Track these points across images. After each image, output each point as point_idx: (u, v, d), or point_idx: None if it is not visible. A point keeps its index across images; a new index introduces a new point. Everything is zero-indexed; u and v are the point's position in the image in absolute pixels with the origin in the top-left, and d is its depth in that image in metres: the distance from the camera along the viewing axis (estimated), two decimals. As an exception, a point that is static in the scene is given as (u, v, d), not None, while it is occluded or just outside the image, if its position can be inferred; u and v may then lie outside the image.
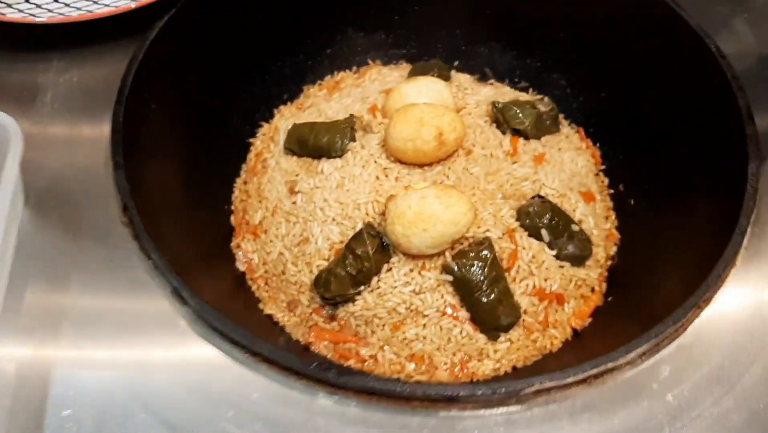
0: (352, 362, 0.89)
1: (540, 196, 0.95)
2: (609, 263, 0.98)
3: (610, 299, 0.94)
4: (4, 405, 0.69)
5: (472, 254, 0.87)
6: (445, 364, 0.89)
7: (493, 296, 0.87)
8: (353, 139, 0.98)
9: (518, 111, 1.00)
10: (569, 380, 0.71)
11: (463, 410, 0.70)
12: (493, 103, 1.01)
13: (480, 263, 0.87)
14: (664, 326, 0.74)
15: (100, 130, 0.89)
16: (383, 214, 0.90)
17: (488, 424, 0.70)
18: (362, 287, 0.89)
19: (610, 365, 0.72)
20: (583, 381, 0.72)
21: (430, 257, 0.89)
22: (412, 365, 0.89)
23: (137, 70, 0.90)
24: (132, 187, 0.81)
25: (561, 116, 1.11)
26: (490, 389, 0.69)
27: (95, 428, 0.68)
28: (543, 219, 0.92)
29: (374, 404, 0.71)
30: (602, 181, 1.06)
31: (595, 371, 0.71)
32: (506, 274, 0.90)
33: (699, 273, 0.80)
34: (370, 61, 1.20)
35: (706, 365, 0.73)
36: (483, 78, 1.18)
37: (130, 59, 0.91)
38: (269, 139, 1.08)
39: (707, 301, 0.77)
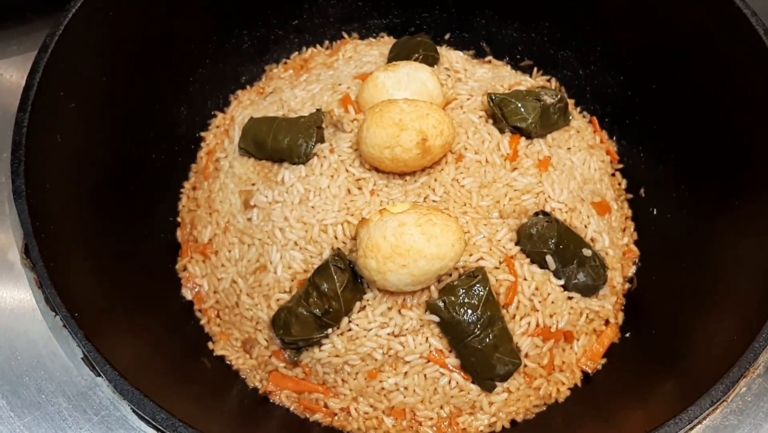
0: (319, 416, 0.75)
1: (545, 213, 0.78)
2: (626, 286, 0.83)
3: (627, 334, 0.79)
4: None
5: (462, 290, 0.72)
6: (431, 419, 0.74)
7: (487, 340, 0.72)
8: (321, 141, 0.81)
9: (519, 105, 0.83)
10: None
11: None
12: (489, 96, 0.83)
13: (472, 301, 0.72)
14: (702, 403, 0.58)
15: (0, 141, 0.71)
16: (355, 238, 0.74)
17: None
18: (330, 330, 0.73)
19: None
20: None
21: (412, 293, 0.73)
22: (391, 420, 0.75)
23: (49, 62, 0.72)
24: (37, 219, 0.65)
25: (571, 103, 0.93)
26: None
27: None
28: (548, 243, 0.75)
29: None
30: (618, 184, 0.90)
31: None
32: (504, 311, 0.74)
33: (748, 313, 0.65)
34: (344, 35, 1.01)
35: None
36: (479, 55, 1.00)
37: (39, 48, 0.72)
38: (224, 134, 0.91)
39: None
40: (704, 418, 0.60)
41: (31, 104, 0.70)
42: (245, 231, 0.79)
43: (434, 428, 0.74)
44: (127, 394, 0.57)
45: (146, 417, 0.57)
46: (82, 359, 0.61)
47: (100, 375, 0.60)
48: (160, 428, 0.57)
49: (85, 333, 0.60)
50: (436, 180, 0.78)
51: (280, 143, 0.81)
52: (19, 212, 0.65)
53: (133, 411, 0.59)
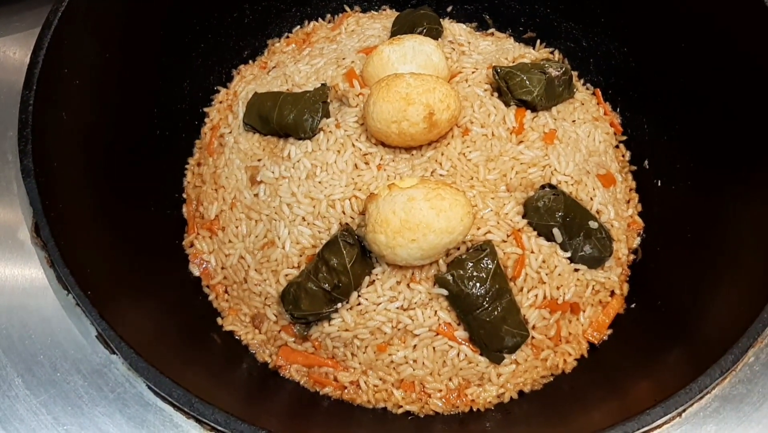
0: (329, 390, 0.75)
1: (551, 186, 0.79)
2: (631, 258, 0.83)
3: (633, 305, 0.80)
4: None
5: (470, 264, 0.72)
6: (440, 391, 0.75)
7: (496, 313, 0.72)
8: (326, 115, 0.81)
9: (524, 78, 0.82)
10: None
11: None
12: (495, 69, 0.83)
13: (480, 274, 0.72)
14: (712, 373, 0.59)
15: (6, 120, 0.71)
16: (363, 213, 0.74)
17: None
18: (339, 304, 0.74)
19: (641, 430, 0.57)
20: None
21: (421, 267, 0.74)
22: (401, 393, 0.75)
23: (53, 39, 0.72)
24: (46, 198, 0.65)
25: (574, 75, 0.93)
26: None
27: None
28: (555, 216, 0.76)
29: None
30: (622, 156, 0.90)
31: (624, 437, 0.57)
32: (512, 284, 0.75)
33: (756, 283, 0.65)
34: (346, 8, 1.00)
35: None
36: (482, 27, 1.00)
37: (43, 25, 0.72)
38: (227, 109, 0.91)
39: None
40: (713, 388, 0.61)
41: (37, 82, 0.69)
42: (252, 207, 0.79)
43: (443, 399, 0.75)
44: (143, 371, 0.58)
45: (162, 393, 0.58)
46: (96, 337, 0.62)
47: (114, 353, 0.60)
48: (177, 404, 0.58)
49: (98, 311, 0.60)
50: (443, 154, 0.78)
51: (286, 118, 0.80)
52: (29, 191, 0.65)
53: (149, 387, 0.59)
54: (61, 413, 0.58)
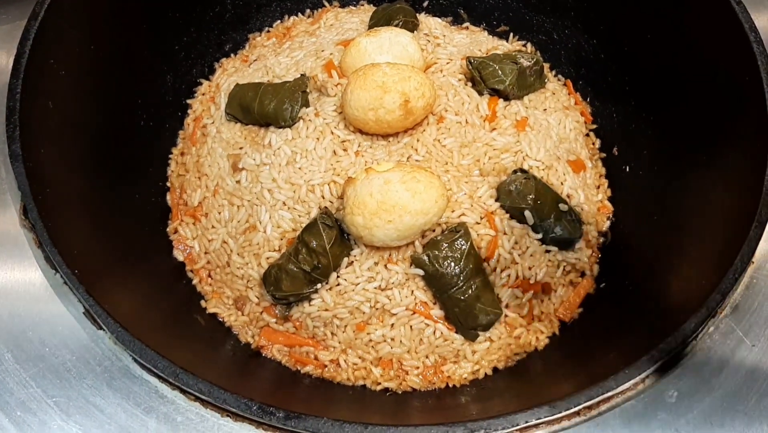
0: (310, 368, 0.78)
1: (523, 171, 0.82)
2: (601, 240, 0.87)
3: (602, 285, 0.83)
4: None
5: (445, 244, 0.75)
6: (417, 368, 0.78)
7: (470, 292, 0.75)
8: (306, 105, 0.83)
9: (497, 68, 0.86)
10: (560, 414, 0.59)
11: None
12: (468, 59, 0.86)
13: (455, 255, 0.75)
14: (673, 340, 0.62)
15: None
16: (342, 196, 0.76)
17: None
18: (319, 285, 0.76)
19: (607, 394, 0.60)
20: (576, 414, 0.61)
21: (398, 248, 0.76)
22: (379, 370, 0.78)
23: (39, 30, 0.74)
24: (34, 182, 0.67)
25: (546, 66, 0.96)
26: (466, 430, 0.58)
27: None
28: (527, 199, 0.79)
29: (331, 447, 0.59)
30: (593, 144, 0.93)
31: (588, 402, 0.60)
32: (485, 264, 0.78)
33: (715, 258, 0.68)
34: (325, 3, 1.03)
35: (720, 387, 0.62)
36: (456, 21, 1.03)
37: (29, 16, 0.74)
38: (209, 100, 0.93)
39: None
40: (676, 355, 0.64)
41: (24, 71, 0.71)
42: (234, 193, 0.82)
43: (420, 376, 0.78)
44: (128, 343, 0.60)
45: (148, 365, 0.60)
46: (83, 313, 0.64)
47: (101, 328, 0.63)
48: (162, 375, 0.60)
49: (85, 288, 0.62)
50: (418, 140, 0.81)
51: (266, 108, 0.83)
52: (17, 175, 0.67)
53: (135, 360, 0.62)
54: (49, 386, 0.60)
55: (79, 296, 0.63)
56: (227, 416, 0.60)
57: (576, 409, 0.60)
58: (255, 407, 0.58)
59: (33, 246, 0.67)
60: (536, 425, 0.60)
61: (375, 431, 0.58)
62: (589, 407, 0.61)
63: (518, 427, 0.59)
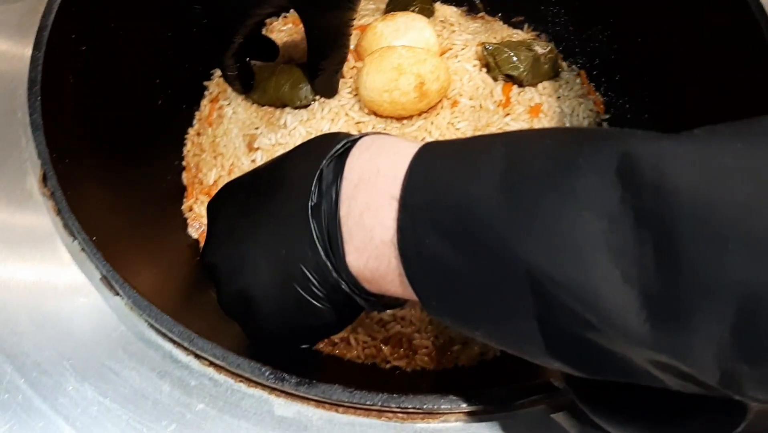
0: (321, 345, 0.79)
1: (536, 155, 0.82)
2: (611, 228, 0.87)
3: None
4: None
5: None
6: (426, 348, 0.78)
7: (480, 273, 0.76)
8: (321, 86, 0.84)
9: (512, 54, 0.86)
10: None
11: (446, 421, 0.60)
12: (484, 45, 0.87)
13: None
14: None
15: (14, 79, 0.74)
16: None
17: (474, 437, 0.60)
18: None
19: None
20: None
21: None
22: (389, 349, 0.79)
23: (62, 4, 0.75)
24: (53, 151, 0.68)
25: (560, 56, 0.97)
26: (477, 400, 0.59)
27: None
28: (539, 183, 0.79)
29: (341, 414, 0.60)
30: (605, 133, 0.93)
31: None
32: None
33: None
34: (342, -10, 1.04)
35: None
36: (471, 11, 1.03)
37: (52, -8, 0.75)
38: (225, 83, 0.94)
39: None
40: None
41: (46, 44, 0.73)
42: (249, 172, 0.83)
43: (429, 356, 0.78)
44: (144, 309, 0.61)
45: (163, 330, 0.61)
46: (100, 279, 0.65)
47: (118, 294, 0.64)
48: (177, 340, 0.61)
49: (103, 254, 0.63)
50: (432, 123, 0.82)
51: (282, 88, 0.84)
52: (37, 143, 0.68)
53: (150, 326, 0.63)
54: (65, 348, 0.61)
55: (97, 262, 0.63)
56: (241, 381, 0.61)
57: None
58: (268, 373, 0.58)
59: (52, 214, 0.68)
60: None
61: (386, 399, 0.58)
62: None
63: (528, 400, 0.59)
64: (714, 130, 0.36)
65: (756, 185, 0.32)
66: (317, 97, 0.83)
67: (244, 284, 0.58)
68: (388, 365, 0.78)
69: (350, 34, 0.76)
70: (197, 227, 0.85)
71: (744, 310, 0.31)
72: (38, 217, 0.68)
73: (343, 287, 0.51)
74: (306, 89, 0.83)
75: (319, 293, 0.52)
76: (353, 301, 0.53)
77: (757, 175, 0.32)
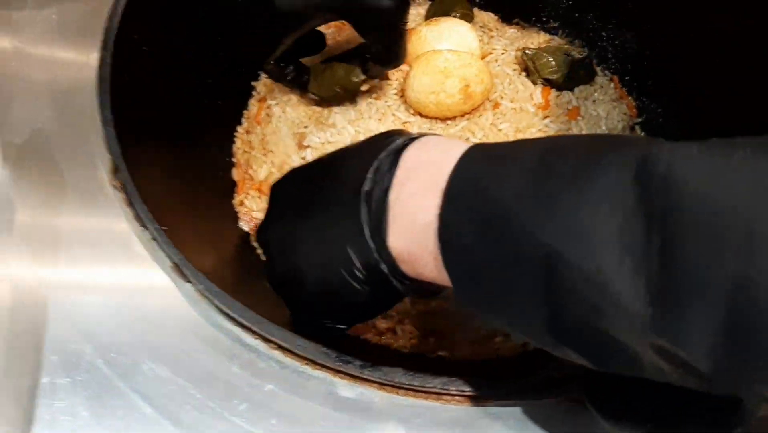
0: (369, 335, 0.82)
1: (575, 156, 0.86)
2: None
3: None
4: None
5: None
6: (469, 340, 0.82)
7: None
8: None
9: (551, 59, 0.90)
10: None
11: (501, 405, 0.64)
12: (524, 50, 0.91)
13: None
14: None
15: (83, 78, 0.78)
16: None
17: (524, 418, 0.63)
18: (380, 256, 0.81)
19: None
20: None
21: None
22: (433, 340, 0.82)
23: (126, 7, 0.79)
24: (123, 145, 0.72)
25: (594, 62, 1.01)
26: (531, 385, 0.62)
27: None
28: (578, 182, 0.83)
29: (402, 397, 0.64)
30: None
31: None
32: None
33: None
34: (383, -4, 1.08)
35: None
36: (506, 17, 1.07)
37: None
38: (273, 83, 0.98)
39: None
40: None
41: (113, 44, 0.77)
42: (300, 169, 0.87)
43: (471, 347, 0.82)
44: (216, 295, 0.65)
45: (234, 315, 0.65)
46: (170, 267, 0.68)
47: (189, 281, 0.67)
48: (246, 324, 0.65)
49: (174, 243, 0.67)
50: (476, 124, 0.86)
51: (336, 74, 0.87)
52: (109, 138, 0.72)
53: (219, 311, 0.66)
54: (140, 331, 0.65)
55: (168, 251, 0.67)
56: (306, 364, 0.64)
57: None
58: (334, 356, 0.62)
59: (123, 206, 0.72)
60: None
61: (445, 382, 0.62)
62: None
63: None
64: (734, 140, 0.39)
65: (754, 186, 0.35)
66: (373, 80, 0.87)
67: (293, 263, 0.63)
68: (432, 355, 0.81)
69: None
70: (247, 219, 0.89)
71: (734, 304, 0.34)
72: (109, 209, 0.72)
73: (382, 267, 0.56)
74: (359, 70, 0.86)
75: (360, 276, 0.57)
76: (390, 285, 0.57)
77: (758, 178, 0.35)
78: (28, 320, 0.65)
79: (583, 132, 0.88)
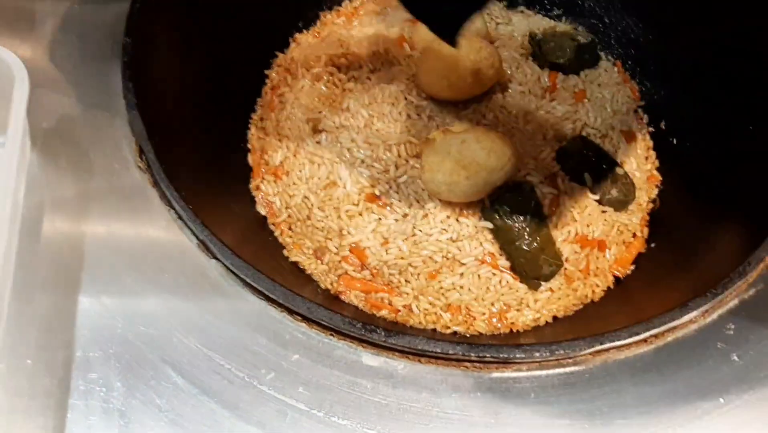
0: (385, 312, 0.84)
1: (582, 137, 0.89)
2: (650, 206, 0.93)
3: (653, 245, 0.90)
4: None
5: (513, 200, 0.82)
6: (483, 314, 0.84)
7: (535, 244, 0.82)
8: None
9: (557, 43, 0.93)
10: (629, 340, 0.66)
11: (518, 371, 0.66)
12: (531, 35, 0.93)
13: (522, 210, 0.82)
14: (730, 281, 0.69)
15: (107, 65, 0.80)
16: (417, 156, 0.84)
17: (545, 385, 0.66)
18: (396, 234, 0.83)
19: (673, 324, 0.67)
20: (644, 341, 0.67)
21: (468, 203, 0.83)
22: (448, 315, 0.84)
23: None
24: (148, 128, 0.74)
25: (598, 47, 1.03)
26: (548, 350, 0.65)
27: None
28: (586, 163, 0.86)
29: (423, 365, 0.66)
30: (641, 119, 1.00)
31: (656, 331, 0.67)
32: (548, 220, 0.84)
33: (756, 222, 0.76)
34: (391, -15, 1.10)
35: (773, 322, 0.69)
36: (511, 4, 1.10)
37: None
38: (285, 71, 1.00)
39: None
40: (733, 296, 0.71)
41: (135, 31, 0.79)
42: (315, 153, 0.89)
43: (486, 321, 0.84)
44: (242, 270, 0.67)
45: (261, 288, 0.67)
46: (196, 245, 0.71)
47: (215, 258, 0.70)
48: (273, 297, 0.67)
49: (201, 221, 0.69)
50: (486, 107, 0.88)
51: None
52: (134, 120, 0.74)
53: (245, 285, 0.69)
54: (170, 303, 0.67)
55: (195, 228, 0.70)
56: (330, 334, 0.67)
57: (644, 336, 0.67)
58: (359, 325, 0.65)
59: (148, 186, 0.74)
60: (606, 350, 0.67)
61: (466, 348, 0.65)
62: (656, 336, 0.68)
63: (592, 349, 0.65)
64: None
65: None
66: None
67: None
68: (448, 330, 0.84)
69: None
70: (264, 203, 0.91)
71: None
72: (135, 189, 0.74)
73: None
74: None
75: None
76: None
77: None
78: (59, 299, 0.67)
79: (590, 113, 0.90)
